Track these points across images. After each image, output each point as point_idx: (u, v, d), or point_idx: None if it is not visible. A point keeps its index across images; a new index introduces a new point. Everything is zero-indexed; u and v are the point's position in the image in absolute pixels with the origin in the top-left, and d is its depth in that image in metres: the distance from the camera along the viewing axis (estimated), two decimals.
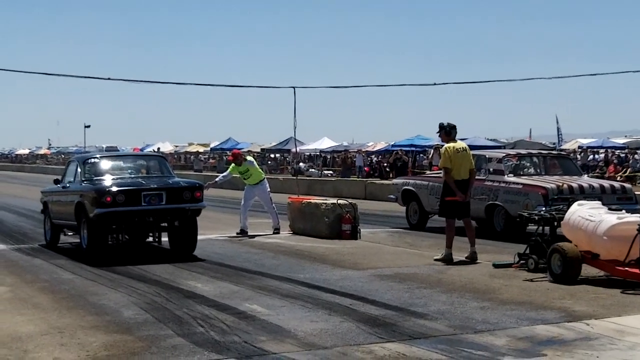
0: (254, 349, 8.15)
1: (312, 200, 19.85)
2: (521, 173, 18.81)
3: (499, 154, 19.94)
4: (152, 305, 10.50)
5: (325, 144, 70.24)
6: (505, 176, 18.23)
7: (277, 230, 19.67)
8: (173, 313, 9.96)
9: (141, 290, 11.68)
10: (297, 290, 11.55)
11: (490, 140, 58.53)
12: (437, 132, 14.94)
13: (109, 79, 25.79)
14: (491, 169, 18.55)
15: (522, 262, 13.07)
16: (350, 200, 19.40)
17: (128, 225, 15.49)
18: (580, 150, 60.53)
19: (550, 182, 17.47)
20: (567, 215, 12.32)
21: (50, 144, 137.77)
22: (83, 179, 15.89)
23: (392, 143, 63.10)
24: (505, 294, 11.07)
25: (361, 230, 18.51)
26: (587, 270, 12.07)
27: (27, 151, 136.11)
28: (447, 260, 14.10)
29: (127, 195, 14.86)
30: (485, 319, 9.44)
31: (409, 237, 18.70)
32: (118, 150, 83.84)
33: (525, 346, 8.20)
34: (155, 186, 15.35)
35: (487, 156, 19.14)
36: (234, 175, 20.59)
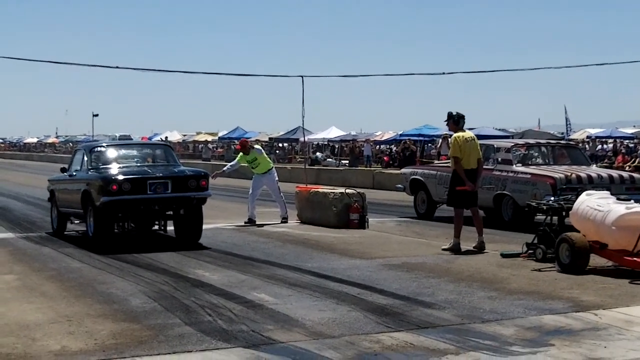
0: (261, 338, 8.15)
1: (320, 190, 19.85)
2: (529, 163, 18.77)
3: (507, 143, 19.89)
4: (159, 294, 10.52)
5: (333, 133, 70.17)
6: (514, 166, 18.19)
7: (284, 220, 19.69)
8: (181, 302, 9.97)
9: (149, 279, 11.69)
10: (304, 279, 11.55)
11: (499, 130, 58.45)
12: (445, 121, 14.92)
13: (117, 67, 25.87)
14: (499, 159, 18.51)
15: (530, 251, 13.04)
16: (358, 190, 19.40)
17: (134, 213, 15.56)
18: (588, 140, 60.45)
19: (558, 171, 17.43)
20: (575, 205, 12.29)
21: (57, 133, 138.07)
22: (90, 167, 15.97)
23: (400, 132, 63.07)
24: (513, 283, 11.06)
25: (369, 219, 18.50)
26: (595, 260, 12.04)
27: (35, 140, 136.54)
28: (455, 249, 14.08)
29: (133, 184, 14.95)
30: (493, 309, 9.43)
31: (416, 226, 18.69)
32: (131, 139, 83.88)
33: (533, 336, 8.19)
34: (161, 175, 15.44)
35: (495, 146, 19.10)
36: (242, 164, 20.59)
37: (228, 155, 68.65)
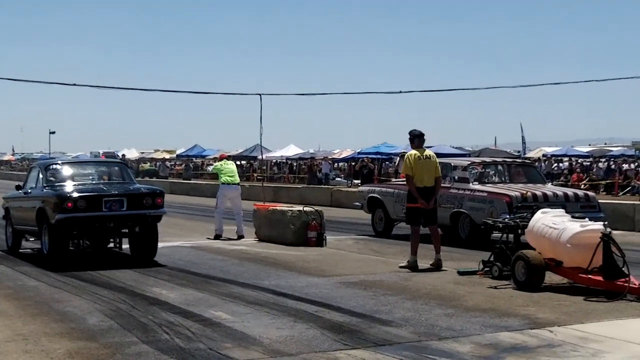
0: (219, 356, 8.14)
1: (278, 207, 19.88)
2: (486, 181, 18.93)
3: (464, 161, 20.05)
4: (117, 312, 10.46)
5: (292, 151, 70.25)
6: (470, 184, 18.34)
7: (241, 237, 19.76)
8: (138, 320, 9.92)
9: (106, 297, 11.62)
10: (262, 297, 11.54)
11: (456, 148, 58.76)
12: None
13: (74, 84, 25.72)
14: (456, 177, 18.65)
15: (486, 269, 13.14)
16: (316, 208, 19.44)
17: (89, 231, 15.52)
18: (544, 158, 61.00)
19: (514, 190, 17.60)
20: (531, 223, 12.41)
21: (14, 150, 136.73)
22: (45, 184, 15.92)
23: (359, 150, 63.23)
24: (469, 301, 11.13)
25: (327, 237, 18.56)
26: (551, 277, 12.16)
27: None
28: (412, 267, 14.15)
29: (88, 201, 14.95)
30: (449, 326, 9.48)
31: (374, 244, 18.75)
32: (116, 156, 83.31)
33: (489, 353, 8.25)
34: (116, 192, 15.45)
35: (452, 164, 19.24)
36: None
37: (187, 173, 68.42)
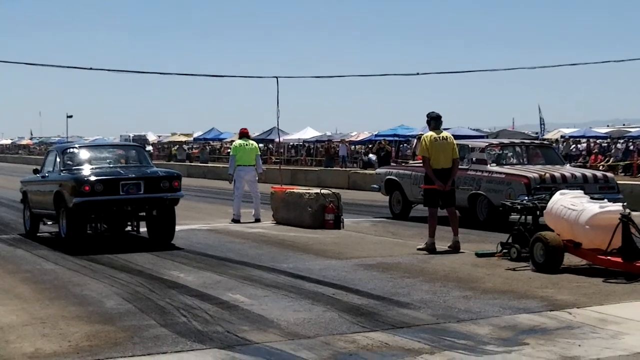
0: (236, 339, 8.13)
1: (295, 190, 19.84)
2: (504, 162, 18.86)
3: (481, 143, 19.95)
4: (134, 295, 10.47)
5: (309, 133, 70.17)
6: (488, 165, 18.26)
7: (258, 220, 19.73)
8: (156, 303, 9.93)
9: (124, 280, 11.64)
10: (280, 280, 11.54)
11: (473, 130, 58.55)
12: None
13: (90, 68, 25.76)
14: (474, 159, 18.56)
15: (504, 251, 13.09)
16: (333, 190, 19.40)
17: (106, 214, 15.57)
18: (562, 139, 60.67)
19: (532, 171, 17.50)
20: (549, 205, 12.34)
21: (31, 135, 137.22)
22: (62, 168, 15.99)
23: (376, 133, 63.11)
24: (488, 283, 11.09)
25: (344, 220, 18.51)
26: (570, 259, 12.10)
27: (9, 141, 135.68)
28: (430, 249, 14.11)
29: (106, 185, 15.01)
30: (468, 308, 9.45)
31: (392, 226, 18.71)
32: (146, 139, 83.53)
33: (507, 335, 8.22)
34: (134, 176, 15.50)
35: (469, 146, 19.14)
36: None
37: (203, 156, 68.45)
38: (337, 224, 18.14)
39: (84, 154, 16.58)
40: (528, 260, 12.23)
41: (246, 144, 20.22)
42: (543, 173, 17.17)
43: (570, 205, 11.93)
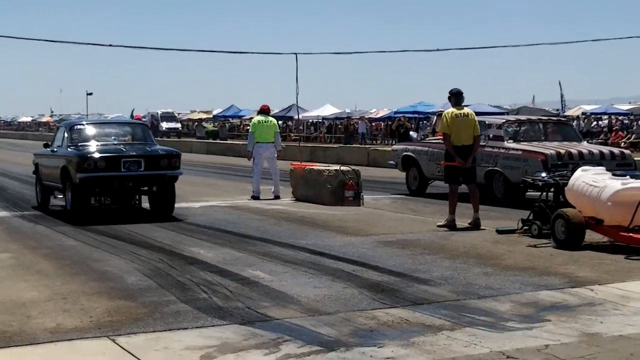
0: (257, 315, 8.14)
1: (314, 167, 19.82)
2: (521, 139, 18.76)
3: (498, 119, 19.88)
4: (155, 271, 10.50)
5: (328, 110, 70.13)
6: (505, 142, 18.19)
7: (277, 197, 19.73)
8: (176, 279, 9.95)
9: (144, 256, 11.67)
10: (300, 256, 11.54)
11: (494, 106, 58.36)
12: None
13: (110, 45, 25.77)
14: (491, 135, 18.47)
15: (525, 228, 13.04)
16: (353, 167, 19.36)
17: (109, 189, 16.40)
18: (583, 116, 60.39)
19: (549, 148, 17.43)
20: (571, 181, 12.28)
21: (52, 112, 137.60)
22: (69, 144, 16.75)
23: (395, 110, 62.99)
24: (508, 259, 11.05)
25: (364, 196, 18.48)
26: (591, 236, 12.05)
27: (29, 119, 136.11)
28: (450, 226, 14.07)
29: (108, 162, 15.86)
30: (488, 285, 9.42)
31: (411, 203, 18.68)
32: (175, 116, 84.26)
33: (529, 312, 8.19)
34: (135, 153, 16.30)
35: (487, 122, 19.02)
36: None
37: (223, 133, 68.53)
38: (356, 201, 18.11)
39: (89, 131, 17.36)
40: (549, 237, 12.18)
41: (265, 121, 20.17)
42: (560, 150, 17.10)
43: (592, 182, 11.86)
